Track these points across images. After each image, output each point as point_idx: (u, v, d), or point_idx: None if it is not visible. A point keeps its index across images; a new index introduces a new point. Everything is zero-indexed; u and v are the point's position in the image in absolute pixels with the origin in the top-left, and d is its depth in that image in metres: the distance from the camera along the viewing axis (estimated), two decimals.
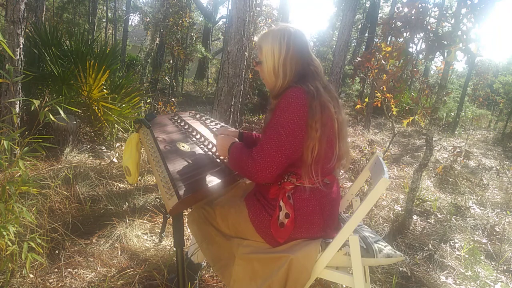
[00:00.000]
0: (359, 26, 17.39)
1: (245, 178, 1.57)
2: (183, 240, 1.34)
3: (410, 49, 2.68)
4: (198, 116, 2.09)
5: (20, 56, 2.76)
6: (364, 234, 1.33)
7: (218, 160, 1.55)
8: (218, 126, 1.99)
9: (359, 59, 3.62)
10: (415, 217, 2.89)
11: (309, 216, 1.22)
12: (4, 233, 1.41)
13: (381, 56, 3.19)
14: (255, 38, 1.34)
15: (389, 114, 4.04)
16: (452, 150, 4.89)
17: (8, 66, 2.53)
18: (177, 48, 8.85)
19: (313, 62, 1.28)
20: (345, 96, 13.15)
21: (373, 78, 4.18)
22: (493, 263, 2.33)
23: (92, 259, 1.86)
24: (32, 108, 1.59)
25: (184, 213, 2.10)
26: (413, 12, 2.49)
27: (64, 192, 2.42)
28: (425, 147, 2.64)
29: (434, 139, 4.73)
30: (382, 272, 2.04)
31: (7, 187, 1.47)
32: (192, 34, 10.61)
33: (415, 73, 3.66)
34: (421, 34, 2.50)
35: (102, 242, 2.02)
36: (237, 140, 1.38)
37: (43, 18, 5.88)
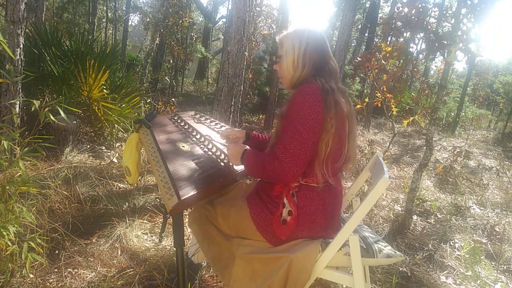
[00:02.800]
0: (359, 26, 17.37)
1: (245, 178, 1.57)
2: (183, 240, 1.34)
3: (410, 49, 2.68)
4: (198, 116, 2.09)
5: (20, 56, 2.76)
6: (364, 234, 1.33)
7: (222, 164, 1.55)
8: (218, 126, 1.98)
9: (359, 59, 3.61)
10: (415, 217, 2.89)
11: (312, 215, 1.22)
12: (4, 233, 1.41)
13: (381, 56, 3.18)
14: (277, 37, 1.37)
15: (389, 114, 4.04)
16: (452, 150, 4.89)
17: (8, 66, 2.53)
18: (177, 48, 8.84)
19: (331, 62, 1.31)
20: None
21: (373, 78, 4.18)
22: (493, 263, 2.33)
23: (92, 259, 1.86)
24: (32, 108, 1.59)
25: (185, 213, 2.10)
26: (413, 12, 2.49)
27: (64, 192, 2.42)
28: (425, 147, 2.64)
29: (434, 139, 4.73)
30: (382, 272, 2.04)
31: (7, 187, 1.47)
32: (192, 34, 10.60)
33: (415, 73, 3.65)
34: (421, 34, 2.50)
35: (102, 242, 2.02)
36: (247, 147, 1.37)
37: (43, 18, 5.88)
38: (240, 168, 1.50)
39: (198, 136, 1.75)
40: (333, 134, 1.16)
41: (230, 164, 1.50)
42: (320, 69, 1.27)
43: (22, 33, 2.75)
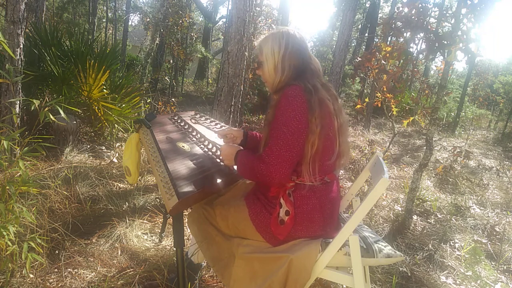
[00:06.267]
0: (359, 26, 17.38)
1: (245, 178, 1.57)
2: (183, 240, 1.34)
3: (411, 49, 2.68)
4: (198, 116, 2.09)
5: (20, 56, 2.76)
6: (364, 234, 1.33)
7: (222, 164, 1.54)
8: (218, 126, 1.98)
9: (359, 59, 3.62)
10: (415, 217, 2.89)
11: (309, 214, 1.22)
12: (4, 233, 1.41)
13: (381, 56, 3.18)
14: (255, 42, 1.37)
15: (389, 114, 4.04)
16: (452, 150, 4.89)
17: (8, 66, 2.53)
18: (177, 48, 8.84)
19: (312, 61, 1.32)
20: (345, 96, 13.14)
21: (373, 78, 4.18)
22: (493, 263, 2.33)
23: (92, 259, 1.86)
24: (32, 108, 1.59)
25: (184, 213, 2.10)
26: (413, 12, 2.49)
27: (64, 192, 2.42)
28: (425, 147, 2.64)
29: (434, 139, 4.73)
30: (382, 272, 2.04)
31: (7, 187, 1.47)
32: (192, 34, 10.60)
33: (415, 73, 3.66)
34: (421, 34, 2.50)
35: (102, 242, 2.02)
36: (241, 147, 1.38)
37: (43, 18, 5.88)
38: None
39: (198, 136, 1.75)
40: (319, 134, 1.16)
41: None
42: (301, 71, 1.27)
43: (22, 33, 2.75)
